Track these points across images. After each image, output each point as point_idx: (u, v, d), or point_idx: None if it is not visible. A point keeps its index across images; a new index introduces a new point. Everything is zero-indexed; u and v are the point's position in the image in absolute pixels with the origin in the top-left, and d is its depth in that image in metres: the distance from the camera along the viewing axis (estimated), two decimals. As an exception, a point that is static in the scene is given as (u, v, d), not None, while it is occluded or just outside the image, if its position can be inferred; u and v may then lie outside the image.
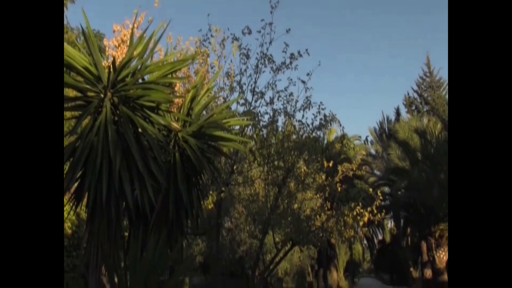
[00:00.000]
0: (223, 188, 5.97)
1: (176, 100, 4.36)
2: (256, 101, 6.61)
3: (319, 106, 6.91)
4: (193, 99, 4.26)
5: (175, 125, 3.95)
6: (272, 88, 6.96)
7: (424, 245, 22.02)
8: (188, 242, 11.83)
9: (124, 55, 4.11)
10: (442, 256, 19.87)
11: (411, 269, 39.17)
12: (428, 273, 21.96)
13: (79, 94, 3.88)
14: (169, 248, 4.04)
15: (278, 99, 7.06)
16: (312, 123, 6.91)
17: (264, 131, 6.73)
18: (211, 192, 6.34)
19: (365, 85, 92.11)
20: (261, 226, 7.21)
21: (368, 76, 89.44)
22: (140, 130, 3.58)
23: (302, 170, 7.42)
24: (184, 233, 4.44)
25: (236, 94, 6.94)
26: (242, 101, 6.32)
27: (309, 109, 7.09)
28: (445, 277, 19.41)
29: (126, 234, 4.51)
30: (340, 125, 7.44)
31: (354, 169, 9.78)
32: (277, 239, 8.48)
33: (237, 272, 26.82)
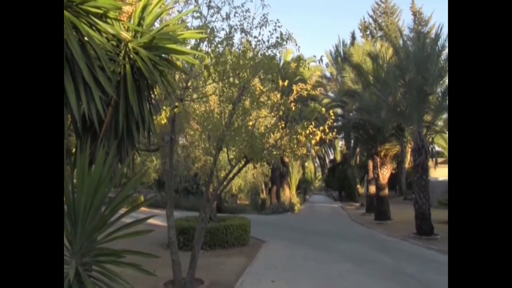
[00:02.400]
0: (176, 103, 5.91)
1: (126, 8, 4.11)
2: (212, 16, 6.37)
3: (276, 23, 6.77)
4: (144, 8, 4.03)
5: (125, 34, 3.76)
6: (229, 3, 6.71)
7: (370, 164, 23.43)
8: (142, 159, 11.89)
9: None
10: (385, 174, 21.34)
11: (358, 186, 41.99)
12: (372, 189, 23.65)
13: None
14: (119, 161, 4.04)
15: (235, 15, 6.85)
16: (268, 41, 6.81)
17: (220, 47, 6.58)
18: (164, 107, 6.26)
19: (323, 7, 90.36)
20: (215, 143, 7.31)
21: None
22: (86, 38, 3.38)
23: (257, 88, 7.44)
24: (135, 147, 4.43)
25: (191, 7, 6.64)
26: (197, 14, 6.06)
27: (265, 27, 6.94)
28: (386, 191, 21.03)
29: (74, 150, 4.44)
30: (296, 45, 7.37)
31: (309, 89, 9.90)
32: (231, 156, 8.68)
33: (192, 189, 27.64)
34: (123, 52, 3.85)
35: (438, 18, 60.59)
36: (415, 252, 11.84)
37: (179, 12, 6.77)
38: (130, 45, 3.81)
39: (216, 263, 9.87)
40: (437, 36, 14.89)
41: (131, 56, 3.83)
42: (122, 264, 3.28)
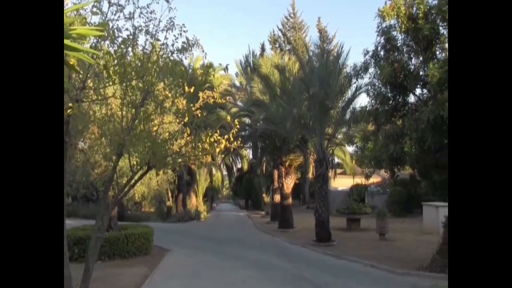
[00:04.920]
0: (70, 104, 5.51)
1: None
2: (114, 14, 6.06)
3: (181, 28, 6.66)
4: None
5: (9, 25, 3.41)
6: (133, 3, 6.45)
7: (276, 173, 24.13)
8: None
9: None
10: (290, 183, 22.12)
11: (264, 194, 42.95)
12: (277, 198, 24.33)
13: None
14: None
15: (140, 16, 6.60)
16: (173, 45, 6.67)
17: (123, 48, 6.29)
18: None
19: (235, 19, 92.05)
20: (116, 148, 6.96)
21: (239, 11, 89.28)
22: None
23: (162, 93, 7.24)
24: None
25: (89, 0, 6.25)
26: (95, 9, 5.72)
27: (172, 31, 6.80)
28: (290, 200, 21.80)
29: None
30: (203, 51, 7.32)
31: (216, 97, 9.91)
32: (133, 162, 8.33)
33: (92, 196, 26.01)
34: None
35: (341, 37, 65.08)
36: (314, 257, 12.38)
37: (75, 4, 6.34)
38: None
39: (114, 274, 9.36)
40: (339, 54, 15.93)
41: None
42: None
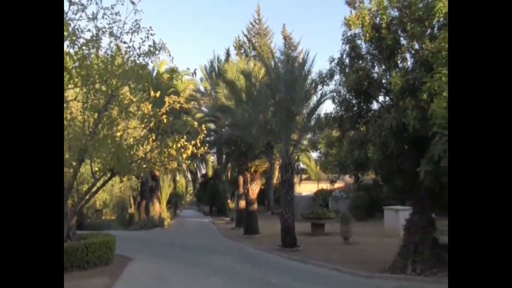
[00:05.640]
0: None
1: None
2: (75, 13, 5.85)
3: (148, 31, 6.53)
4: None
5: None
6: (96, 3, 6.26)
7: (241, 179, 24.05)
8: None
9: None
10: (255, 189, 22.11)
11: (229, 200, 42.74)
12: (242, 203, 24.25)
13: None
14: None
15: (103, 17, 6.41)
16: (140, 48, 6.52)
17: (85, 49, 6.08)
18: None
19: (200, 22, 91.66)
20: (76, 154, 6.69)
21: (204, 15, 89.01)
22: None
23: (127, 97, 7.06)
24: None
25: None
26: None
27: (138, 33, 6.65)
28: (255, 206, 21.79)
29: None
30: (170, 55, 7.20)
31: (182, 102, 9.78)
32: (95, 168, 8.05)
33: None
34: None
35: (307, 44, 66.13)
36: (280, 263, 12.38)
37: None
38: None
39: (72, 287, 8.97)
40: (304, 60, 16.12)
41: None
42: None
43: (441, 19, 9.18)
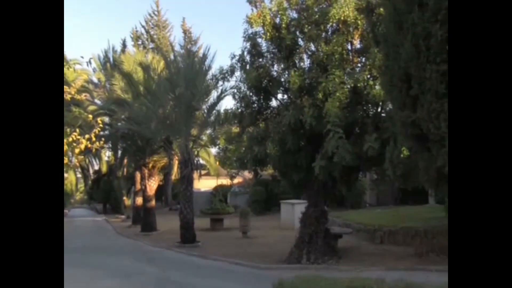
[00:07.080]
0: None
1: None
2: None
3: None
4: None
5: None
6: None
7: (138, 175, 23.20)
8: None
9: None
10: (153, 185, 21.53)
11: (125, 198, 40.91)
12: (139, 200, 23.42)
13: None
14: None
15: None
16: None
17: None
18: None
19: (94, 9, 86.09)
20: None
21: (98, 4, 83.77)
22: None
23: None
24: None
25: None
26: None
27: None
28: (153, 203, 21.24)
29: None
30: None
31: (73, 93, 9.09)
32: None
33: None
34: None
35: (206, 40, 65.82)
36: (180, 259, 12.24)
37: None
38: None
39: None
40: (205, 55, 16.07)
41: None
42: None
43: (334, 24, 9.85)
